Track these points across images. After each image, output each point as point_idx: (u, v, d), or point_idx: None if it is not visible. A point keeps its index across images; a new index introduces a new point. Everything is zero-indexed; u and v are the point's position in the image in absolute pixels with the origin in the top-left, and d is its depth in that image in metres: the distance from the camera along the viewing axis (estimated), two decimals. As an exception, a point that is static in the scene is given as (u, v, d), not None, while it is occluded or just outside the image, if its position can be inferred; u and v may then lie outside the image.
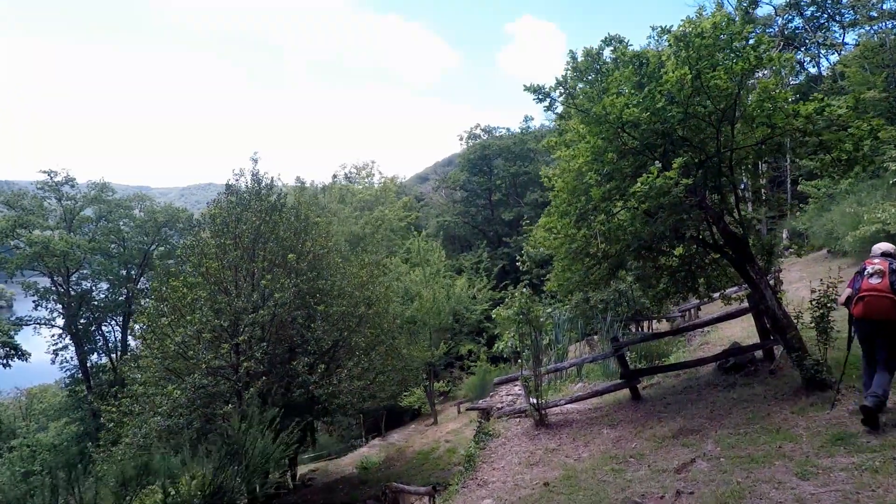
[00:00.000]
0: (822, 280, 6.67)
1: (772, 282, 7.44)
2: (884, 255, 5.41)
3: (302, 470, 20.21)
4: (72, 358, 36.95)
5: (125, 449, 10.00)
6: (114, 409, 10.78)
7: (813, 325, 6.55)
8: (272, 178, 13.41)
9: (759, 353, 8.53)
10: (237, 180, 12.92)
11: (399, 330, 18.21)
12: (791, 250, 27.26)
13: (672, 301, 9.74)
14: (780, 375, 7.47)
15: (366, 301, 12.79)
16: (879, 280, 5.08)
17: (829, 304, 6.49)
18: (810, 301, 6.65)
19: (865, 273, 5.28)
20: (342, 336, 11.48)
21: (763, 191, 8.21)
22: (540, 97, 6.96)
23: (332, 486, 16.29)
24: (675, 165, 6.19)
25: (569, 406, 9.44)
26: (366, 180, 44.54)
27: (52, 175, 37.05)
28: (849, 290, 5.48)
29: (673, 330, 9.54)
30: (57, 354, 36.63)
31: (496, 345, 17.88)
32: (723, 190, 7.70)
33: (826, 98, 6.48)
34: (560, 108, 12.25)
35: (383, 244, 33.80)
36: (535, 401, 8.59)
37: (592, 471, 6.33)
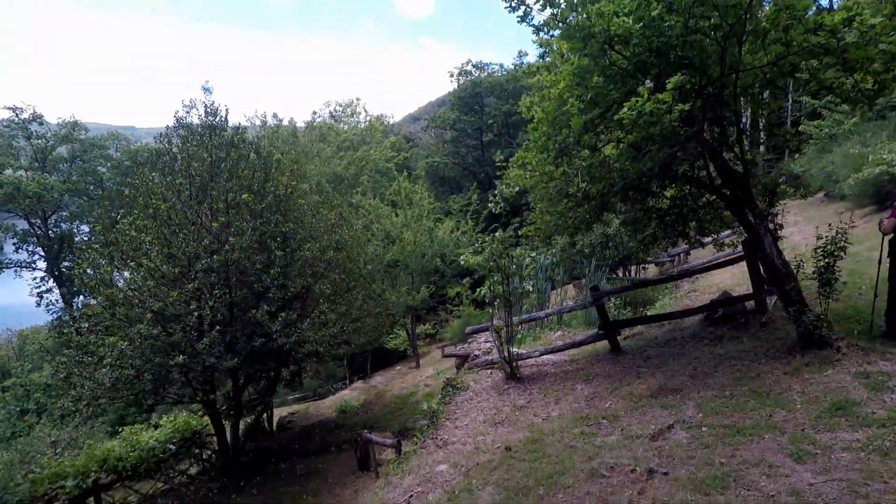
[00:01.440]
0: (830, 225, 5.83)
1: (771, 227, 6.60)
2: None
3: (283, 412, 20.15)
4: (57, 300, 36.46)
5: (74, 403, 9.41)
6: (63, 360, 10.11)
7: (815, 275, 5.78)
8: (227, 109, 12.12)
9: (750, 304, 7.84)
10: (188, 112, 11.65)
11: (375, 274, 17.52)
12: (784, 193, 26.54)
13: (661, 246, 8.93)
14: (772, 329, 6.80)
15: (335, 245, 11.92)
16: None
17: (836, 253, 5.69)
18: (815, 249, 5.84)
19: None
20: (307, 283, 10.69)
21: (765, 124, 7.18)
22: (513, 5, 5.79)
23: (309, 431, 16.12)
24: (669, 86, 5.16)
25: (545, 357, 8.84)
26: (351, 119, 42.44)
27: (17, 112, 34.95)
28: (893, 219, 5.29)
29: (659, 278, 8.82)
30: (42, 297, 36.17)
31: (478, 290, 17.27)
32: (723, 121, 6.69)
33: (857, 5, 5.36)
34: (538, 19, 10.83)
35: (369, 186, 32.54)
36: (506, 353, 7.95)
37: (560, 433, 5.74)
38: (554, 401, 6.91)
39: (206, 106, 11.81)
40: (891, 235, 5.40)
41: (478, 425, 6.70)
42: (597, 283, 9.22)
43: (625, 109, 5.19)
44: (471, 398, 7.77)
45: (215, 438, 12.98)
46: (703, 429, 4.65)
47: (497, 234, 7.88)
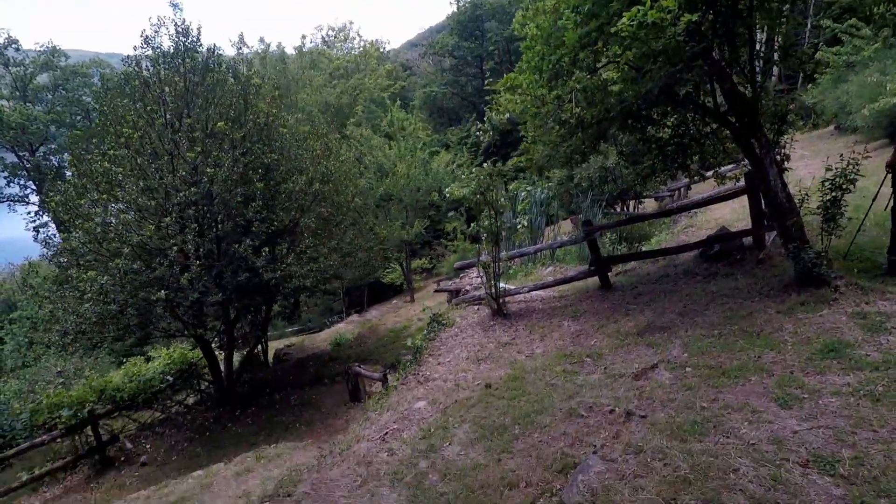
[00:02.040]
0: (841, 156, 5.38)
1: (778, 158, 6.13)
2: None
3: (280, 345, 20.48)
4: (54, 235, 36.24)
5: (60, 337, 9.35)
6: (46, 295, 9.97)
7: (820, 210, 5.40)
8: (199, 28, 11.15)
9: (748, 241, 7.52)
10: (156, 32, 10.72)
11: (368, 208, 17.11)
12: (794, 128, 25.52)
13: (660, 179, 8.48)
14: (768, 267, 6.51)
15: (321, 177, 11.42)
16: None
17: (845, 186, 5.28)
18: (822, 181, 5.42)
19: None
20: (291, 217, 10.31)
21: (781, 45, 6.50)
22: None
23: (304, 363, 16.38)
24: (675, -9, 4.53)
25: (535, 293, 8.64)
26: (343, 45, 40.15)
27: (-10, 37, 33.05)
28: None
29: (654, 212, 8.43)
30: (38, 231, 35.94)
31: (472, 224, 16.95)
32: (735, 38, 6.03)
33: None
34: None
35: (364, 117, 31.28)
36: (492, 290, 7.73)
37: (542, 371, 5.60)
38: (539, 338, 6.76)
39: (176, 25, 10.87)
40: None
41: (460, 362, 6.59)
42: (590, 218, 8.86)
43: (624, 20, 4.58)
44: (456, 334, 7.64)
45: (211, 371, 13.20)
46: (688, 369, 4.46)
47: (485, 165, 7.41)
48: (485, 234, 7.59)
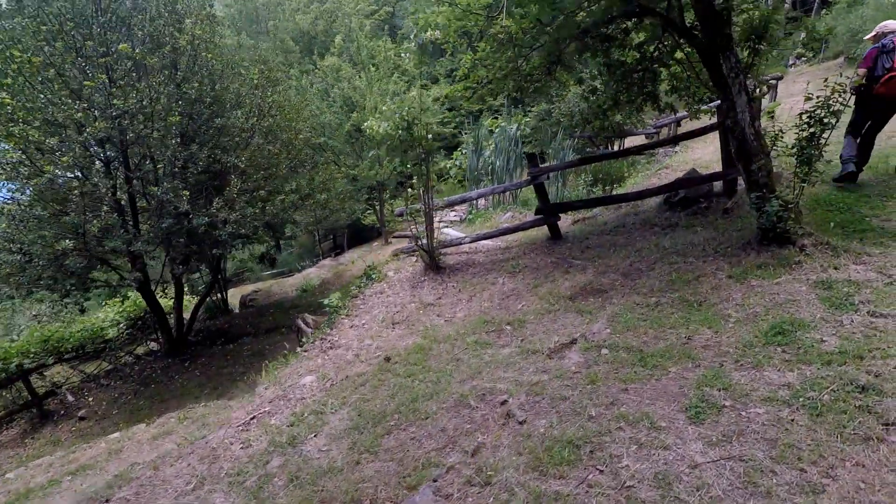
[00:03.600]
0: (825, 81, 4.26)
1: (751, 85, 4.99)
2: None
3: (249, 289, 19.86)
4: None
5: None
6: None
7: (795, 150, 4.35)
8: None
9: (719, 186, 6.51)
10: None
11: (327, 145, 15.85)
12: (803, 58, 23.59)
13: (622, 112, 7.31)
14: (734, 217, 5.54)
15: (258, 111, 10.15)
16: None
17: (826, 120, 4.20)
18: (800, 115, 4.33)
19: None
20: (216, 156, 9.16)
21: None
22: None
23: (266, 310, 15.77)
24: None
25: (483, 243, 7.72)
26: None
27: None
28: (863, 70, 5.17)
29: (606, 153, 7.25)
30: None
31: (443, 163, 15.77)
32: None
33: None
34: None
35: (345, 47, 28.99)
36: (423, 241, 6.80)
37: (454, 340, 4.78)
38: (467, 298, 5.90)
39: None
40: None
41: (374, 325, 5.77)
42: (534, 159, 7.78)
43: None
44: (381, 291, 6.79)
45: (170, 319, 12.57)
46: (604, 351, 3.60)
47: (413, 92, 6.27)
48: (414, 178, 6.56)
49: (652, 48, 6.09)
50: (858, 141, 5.52)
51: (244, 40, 17.53)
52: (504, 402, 3.38)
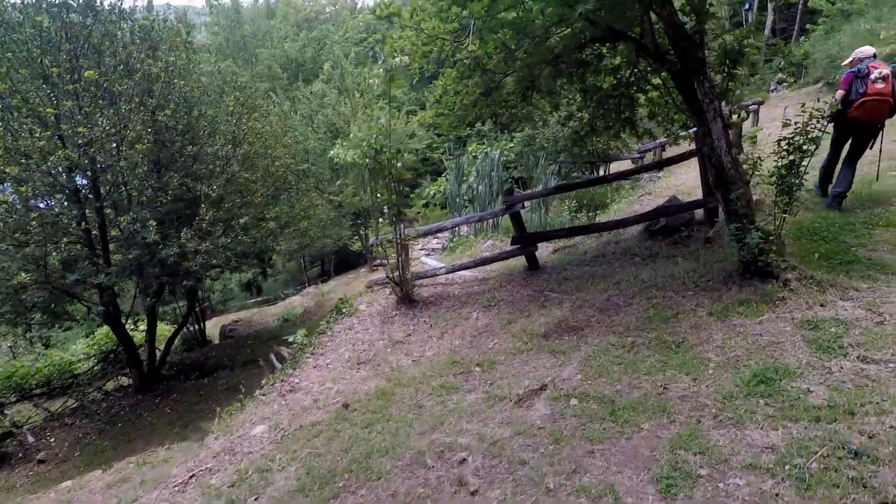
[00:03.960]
0: (803, 106, 4.06)
1: (727, 110, 4.81)
2: (875, 57, 5.34)
3: (230, 319, 19.36)
4: None
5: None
6: None
7: (774, 178, 4.12)
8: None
9: (700, 213, 6.29)
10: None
11: (309, 172, 15.64)
12: (784, 83, 23.94)
13: (601, 139, 7.12)
14: (716, 248, 5.30)
15: (232, 138, 9.90)
16: (884, 85, 5.06)
17: (805, 147, 3.99)
18: (778, 141, 4.12)
19: (871, 77, 5.09)
20: (187, 185, 8.86)
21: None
22: None
23: (246, 340, 15.27)
24: None
25: (462, 273, 7.40)
26: (310, -6, 37.27)
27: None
28: (841, 92, 5.31)
29: (584, 180, 7.02)
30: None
31: (426, 190, 15.58)
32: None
33: None
34: None
35: (333, 74, 29.10)
36: (395, 274, 6.49)
37: (419, 384, 4.42)
38: (438, 334, 5.57)
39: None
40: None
41: (339, 366, 5.40)
42: (511, 187, 7.56)
43: None
44: (351, 327, 6.44)
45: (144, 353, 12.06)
46: (573, 402, 3.27)
47: (381, 118, 6.05)
48: (385, 209, 6.29)
49: (627, 73, 5.93)
50: (833, 164, 5.79)
51: (224, 67, 17.40)
52: (462, 461, 3.03)
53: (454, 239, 11.04)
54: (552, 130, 14.07)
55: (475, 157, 14.49)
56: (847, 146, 5.61)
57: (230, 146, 10.01)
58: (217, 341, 17.05)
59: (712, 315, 3.89)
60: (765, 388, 2.82)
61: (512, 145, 15.34)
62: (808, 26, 22.85)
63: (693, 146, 6.30)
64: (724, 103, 4.86)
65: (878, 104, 5.07)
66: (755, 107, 11.32)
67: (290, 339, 6.51)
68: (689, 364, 3.31)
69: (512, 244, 6.49)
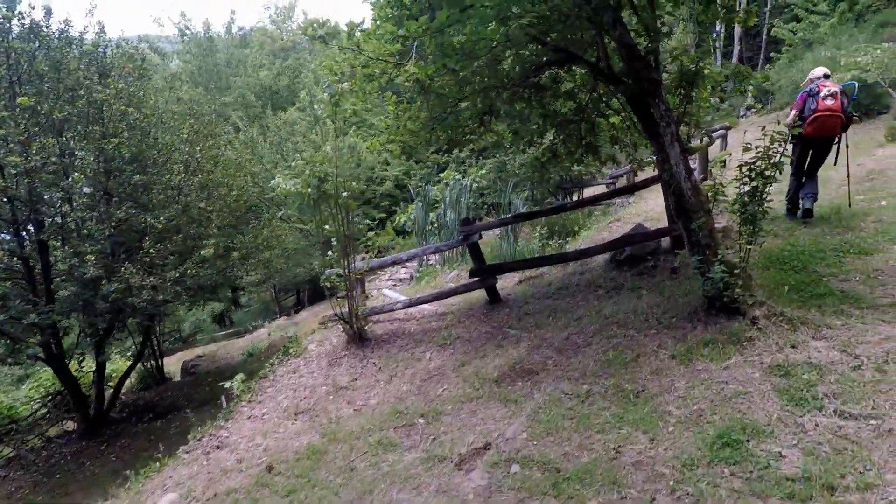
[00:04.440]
0: (763, 130, 3.78)
1: (685, 134, 4.53)
2: (826, 76, 5.65)
3: (195, 353, 18.49)
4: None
5: None
6: None
7: (737, 206, 3.81)
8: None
9: (667, 242, 5.98)
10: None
11: (277, 201, 15.15)
12: (753, 109, 24.45)
13: (562, 165, 6.83)
14: (681, 279, 4.95)
15: (185, 167, 9.41)
16: (833, 101, 5.35)
17: (768, 172, 3.69)
18: (740, 166, 3.83)
19: (820, 95, 5.40)
20: (128, 216, 8.31)
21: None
22: None
23: (206, 377, 14.46)
24: None
25: (423, 307, 6.94)
26: (285, 24, 37.33)
27: None
28: (794, 112, 5.66)
29: (551, 208, 6.69)
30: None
31: (394, 218, 15.21)
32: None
33: None
34: None
35: (308, 102, 28.86)
36: (341, 310, 6.02)
37: (355, 441, 3.92)
38: (386, 378, 5.07)
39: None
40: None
41: (274, 416, 4.86)
42: (467, 217, 7.23)
43: None
44: (296, 369, 5.91)
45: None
46: (514, 468, 2.82)
47: (327, 147, 5.68)
48: (333, 240, 5.86)
49: (586, 97, 5.67)
50: (802, 179, 5.92)
51: (184, 94, 16.99)
52: (383, 546, 2.53)
53: (420, 269, 10.63)
54: (524, 157, 13.89)
55: (447, 184, 14.21)
56: (807, 164, 5.86)
57: (184, 175, 9.51)
58: (179, 378, 16.20)
59: (675, 358, 3.50)
60: (731, 453, 2.41)
61: (484, 172, 15.10)
62: (772, 55, 23.50)
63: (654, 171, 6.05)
64: (689, 125, 4.60)
65: (828, 118, 5.37)
66: (723, 132, 11.28)
67: (228, 384, 5.94)
68: (648, 420, 2.89)
69: (470, 276, 6.08)
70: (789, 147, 5.71)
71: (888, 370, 2.78)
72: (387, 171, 18.64)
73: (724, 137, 11.31)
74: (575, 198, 15.14)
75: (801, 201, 5.87)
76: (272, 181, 5.49)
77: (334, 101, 5.29)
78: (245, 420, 4.97)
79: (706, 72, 4.84)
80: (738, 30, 25.22)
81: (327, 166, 5.43)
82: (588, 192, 15.77)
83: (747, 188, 3.75)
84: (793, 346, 3.21)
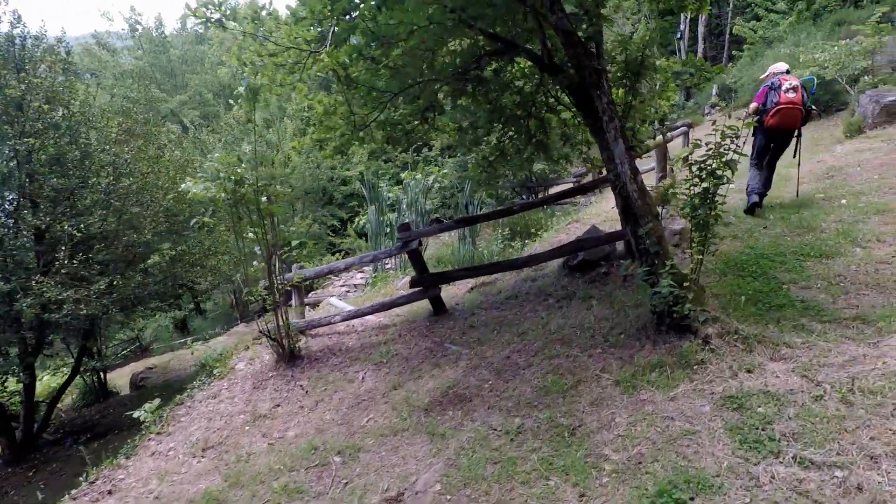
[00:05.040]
0: (713, 124, 3.38)
1: (630, 130, 4.11)
2: (788, 72, 5.81)
3: (148, 364, 17.50)
4: None
5: None
6: None
7: (687, 210, 3.39)
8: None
9: (622, 245, 5.58)
10: None
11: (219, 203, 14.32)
12: (718, 107, 24.68)
13: (513, 164, 6.36)
14: (634, 287, 4.54)
15: (113, 169, 8.62)
16: (795, 94, 5.47)
17: (720, 171, 3.28)
18: (690, 165, 3.41)
19: (782, 88, 5.51)
20: (46, 224, 7.53)
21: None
22: None
23: (152, 392, 13.58)
24: None
25: (368, 318, 6.39)
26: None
27: None
28: (756, 104, 5.81)
29: (497, 211, 6.22)
30: None
31: (356, 220, 14.56)
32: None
33: None
34: None
35: (272, 99, 27.77)
36: (265, 327, 5.44)
37: (259, 483, 3.37)
38: (311, 404, 4.52)
39: None
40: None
41: (180, 453, 4.26)
42: (405, 222, 6.75)
43: None
44: (217, 393, 5.30)
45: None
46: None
47: (245, 147, 5.09)
48: (257, 249, 5.27)
49: (531, 90, 5.22)
50: (762, 172, 5.92)
51: (134, 92, 15.93)
52: None
53: (375, 274, 10.07)
54: (482, 154, 13.43)
55: (408, 183, 13.67)
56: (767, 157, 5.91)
57: (109, 178, 8.73)
58: (128, 391, 15.26)
59: (619, 385, 3.06)
60: (670, 515, 1.96)
61: (446, 171, 14.61)
62: (734, 52, 23.70)
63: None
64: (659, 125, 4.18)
65: (790, 110, 5.48)
66: (685, 129, 11.04)
67: (136, 414, 5.28)
68: (580, 467, 2.43)
69: (411, 286, 5.57)
70: (752, 139, 5.94)
71: (854, 401, 2.38)
72: (348, 170, 17.94)
73: (686, 135, 11.06)
74: (541, 196, 14.80)
75: (749, 196, 5.84)
76: (182, 185, 4.86)
77: (250, 96, 4.70)
78: (148, 457, 4.35)
79: (657, 63, 4.45)
80: (701, 29, 25.38)
81: (246, 168, 4.83)
82: (557, 191, 15.44)
83: (698, 189, 3.34)
84: (748, 371, 2.80)
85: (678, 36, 26.07)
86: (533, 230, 11.09)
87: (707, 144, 3.29)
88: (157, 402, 5.45)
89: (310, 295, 12.56)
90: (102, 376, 13.67)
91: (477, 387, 3.78)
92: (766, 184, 5.88)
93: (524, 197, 15.43)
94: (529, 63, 5.09)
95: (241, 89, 4.75)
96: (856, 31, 12.50)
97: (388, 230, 12.17)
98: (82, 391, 14.02)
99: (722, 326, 3.15)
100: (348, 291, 10.86)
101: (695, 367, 2.94)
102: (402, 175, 15.13)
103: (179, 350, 20.61)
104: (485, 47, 4.68)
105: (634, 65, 3.92)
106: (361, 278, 11.51)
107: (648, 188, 4.60)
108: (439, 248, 10.66)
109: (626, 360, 3.31)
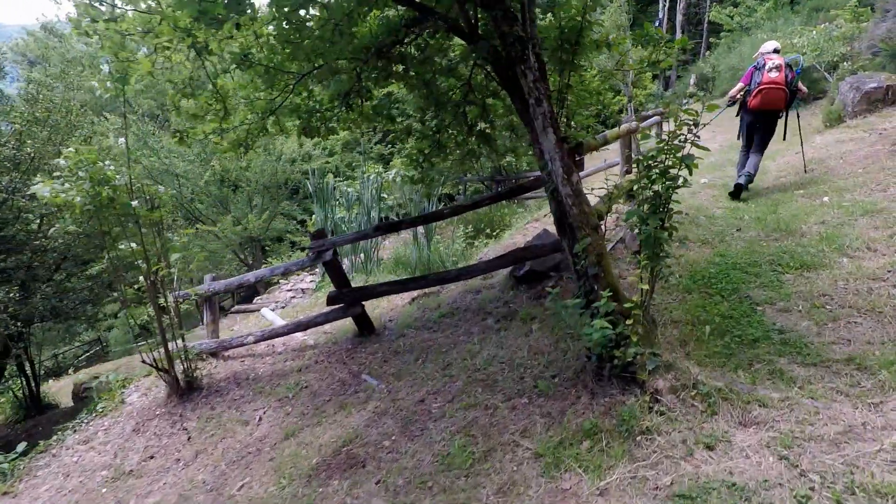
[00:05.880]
0: (663, 114, 2.58)
1: (564, 116, 3.30)
2: (775, 51, 5.57)
3: (84, 378, 16.37)
4: None
5: None
6: None
7: (633, 220, 2.60)
8: None
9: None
10: None
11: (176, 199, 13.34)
12: (694, 96, 24.29)
13: (455, 156, 5.53)
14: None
15: (15, 164, 7.60)
16: (778, 74, 5.31)
17: (675, 171, 2.50)
18: (637, 160, 2.62)
19: (766, 68, 5.36)
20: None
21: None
22: None
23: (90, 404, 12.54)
24: None
25: (296, 335, 5.53)
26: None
27: None
28: (741, 84, 5.67)
29: (435, 212, 5.40)
30: None
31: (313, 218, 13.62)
32: None
33: None
34: None
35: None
36: (152, 355, 4.56)
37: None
38: (190, 456, 3.67)
39: None
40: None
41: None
42: (322, 228, 5.90)
43: None
44: (91, 437, 4.42)
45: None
46: None
47: (119, 140, 4.17)
48: (140, 262, 4.37)
49: (465, 69, 4.39)
50: (748, 154, 5.79)
51: (85, 79, 14.67)
52: None
53: (321, 280, 9.20)
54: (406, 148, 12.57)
55: (365, 178, 12.76)
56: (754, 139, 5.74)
57: (14, 174, 7.70)
58: (71, 403, 14.16)
59: (538, 460, 2.27)
60: None
61: (395, 170, 13.72)
62: (711, 40, 23.16)
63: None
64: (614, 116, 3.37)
65: (772, 91, 5.32)
66: (657, 118, 10.29)
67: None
68: None
69: (328, 303, 4.71)
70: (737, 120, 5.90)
71: (853, 508, 1.62)
72: (307, 164, 16.90)
73: (659, 124, 10.31)
74: (499, 191, 14.02)
75: (737, 178, 5.67)
76: (32, 187, 3.93)
77: (118, 78, 3.77)
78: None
79: (610, 37, 3.64)
80: (679, 17, 24.79)
81: (112, 166, 3.93)
82: (513, 187, 14.68)
83: (649, 193, 2.55)
84: (708, 448, 2.04)
85: (657, 24, 25.51)
86: (496, 230, 10.33)
87: (659, 137, 2.50)
88: (21, 446, 4.54)
89: (255, 300, 11.65)
90: (34, 389, 12.58)
91: (376, 444, 2.97)
92: (754, 167, 5.68)
93: (492, 190, 14.63)
94: (441, 34, 4.28)
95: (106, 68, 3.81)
96: (834, 16, 11.89)
97: (345, 228, 11.29)
98: (13, 406, 12.95)
99: (676, 377, 2.37)
100: (293, 297, 9.99)
101: (638, 439, 2.16)
102: (364, 170, 14.24)
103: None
104: (403, 17, 3.86)
105: (574, 31, 3.10)
106: (311, 281, 10.62)
107: (614, 185, 3.85)
108: (398, 248, 9.79)
109: (555, 418, 2.52)
